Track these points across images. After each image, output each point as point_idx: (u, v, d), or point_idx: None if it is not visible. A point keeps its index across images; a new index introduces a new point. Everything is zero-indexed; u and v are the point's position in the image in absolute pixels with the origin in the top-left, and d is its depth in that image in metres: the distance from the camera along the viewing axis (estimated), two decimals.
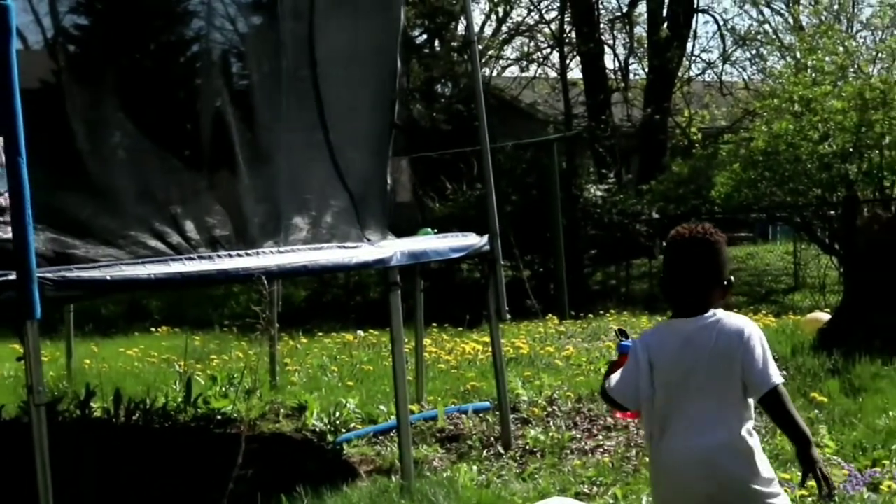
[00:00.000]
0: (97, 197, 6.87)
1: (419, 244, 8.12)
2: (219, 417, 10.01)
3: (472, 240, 8.64)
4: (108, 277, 5.70)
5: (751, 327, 4.59)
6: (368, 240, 7.86)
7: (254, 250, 6.59)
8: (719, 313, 4.61)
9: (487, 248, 8.67)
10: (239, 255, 6.41)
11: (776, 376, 4.50)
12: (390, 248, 7.47)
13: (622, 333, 4.95)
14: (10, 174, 5.08)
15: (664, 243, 5.02)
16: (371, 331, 16.74)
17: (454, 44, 32.95)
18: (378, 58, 8.79)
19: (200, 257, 6.21)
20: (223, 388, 10.76)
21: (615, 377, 4.76)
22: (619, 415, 6.73)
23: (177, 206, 6.83)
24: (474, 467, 8.02)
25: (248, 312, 19.98)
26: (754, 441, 4.56)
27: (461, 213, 23.01)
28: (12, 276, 5.23)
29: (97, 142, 7.77)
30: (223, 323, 19.40)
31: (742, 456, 4.52)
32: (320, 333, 18.09)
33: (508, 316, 9.12)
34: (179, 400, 10.53)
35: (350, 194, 7.98)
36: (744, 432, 4.53)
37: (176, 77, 8.06)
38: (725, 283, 4.66)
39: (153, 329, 19.15)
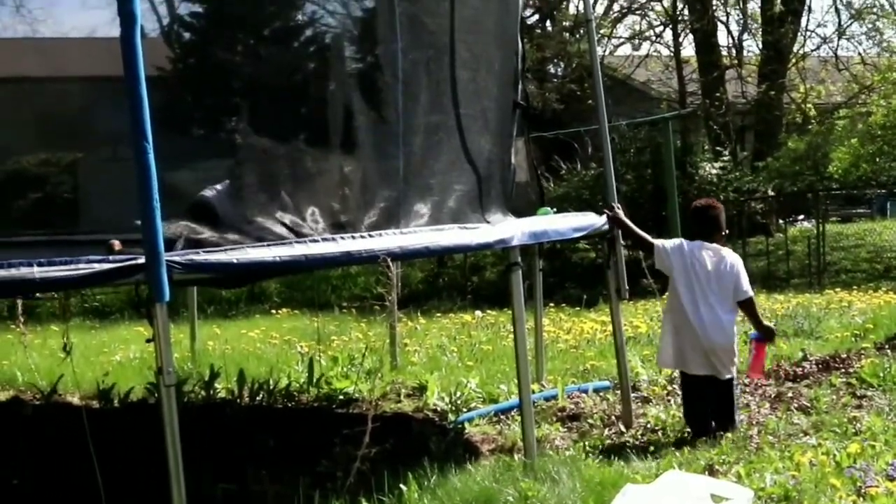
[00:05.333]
0: (221, 182, 6.99)
1: (540, 224, 8.11)
2: (341, 397, 10.13)
3: (592, 219, 8.63)
4: (235, 260, 5.75)
5: (737, 260, 8.38)
6: (488, 221, 7.89)
7: (377, 232, 6.63)
8: (724, 250, 8.34)
9: (607, 226, 8.67)
10: (362, 237, 6.46)
11: (749, 291, 8.31)
12: (511, 228, 7.48)
13: None
14: (137, 159, 5.16)
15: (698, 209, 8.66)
16: (488, 311, 16.78)
17: (566, 23, 32.88)
18: (501, 38, 8.80)
19: (324, 239, 6.27)
20: (344, 369, 10.87)
21: (669, 244, 8.35)
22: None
23: (301, 190, 6.90)
24: (596, 445, 8.05)
25: (365, 294, 20.24)
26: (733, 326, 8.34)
27: (575, 192, 23.00)
28: (141, 260, 5.32)
29: (217, 127, 7.90)
30: (341, 305, 19.57)
31: (724, 331, 8.17)
32: (438, 314, 18.16)
33: (627, 295, 9.10)
34: (302, 381, 10.66)
35: (477, 176, 8.01)
36: (730, 317, 8.27)
37: (300, 60, 8.14)
38: (724, 232, 8.49)
39: (273, 311, 19.37)
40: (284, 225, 6.44)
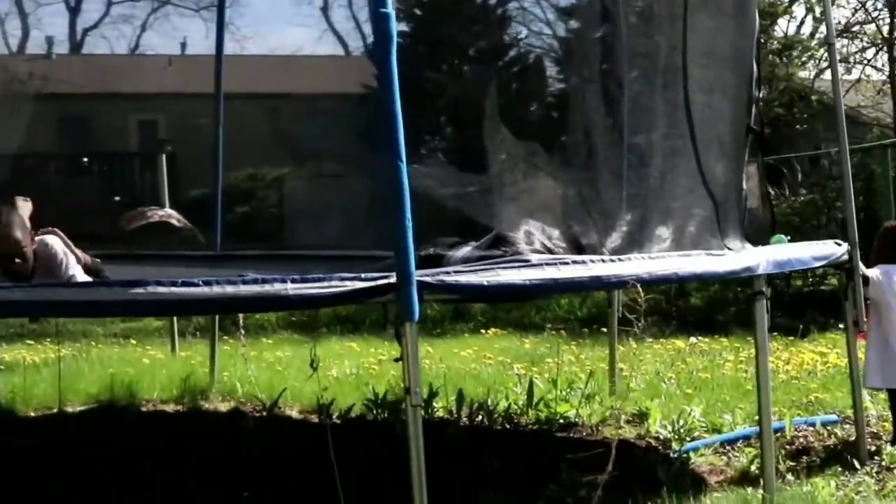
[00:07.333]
0: (461, 202, 6.99)
1: (783, 252, 7.91)
2: (560, 421, 10.03)
3: (832, 248, 8.38)
4: (485, 282, 5.72)
5: None
6: (729, 247, 7.71)
7: (625, 256, 6.52)
8: None
9: (846, 257, 8.43)
10: (612, 261, 6.35)
11: None
12: (756, 256, 7.30)
13: None
14: (392, 178, 5.17)
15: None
16: (700, 338, 16.48)
17: (773, 45, 32.39)
18: (737, 60, 8.62)
19: (574, 262, 6.17)
20: (563, 392, 10.75)
21: (879, 273, 8.74)
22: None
23: (544, 212, 6.86)
24: (831, 482, 7.79)
25: (569, 316, 19.98)
26: None
27: (785, 219, 22.54)
28: (392, 279, 5.34)
29: (455, 147, 7.89)
30: (548, 326, 19.40)
31: None
32: (649, 339, 17.89)
33: (865, 327, 8.83)
34: (521, 402, 10.59)
35: (713, 201, 7.84)
36: None
37: (543, 80, 8.12)
38: None
39: (482, 330, 19.28)
40: (534, 245, 6.39)
